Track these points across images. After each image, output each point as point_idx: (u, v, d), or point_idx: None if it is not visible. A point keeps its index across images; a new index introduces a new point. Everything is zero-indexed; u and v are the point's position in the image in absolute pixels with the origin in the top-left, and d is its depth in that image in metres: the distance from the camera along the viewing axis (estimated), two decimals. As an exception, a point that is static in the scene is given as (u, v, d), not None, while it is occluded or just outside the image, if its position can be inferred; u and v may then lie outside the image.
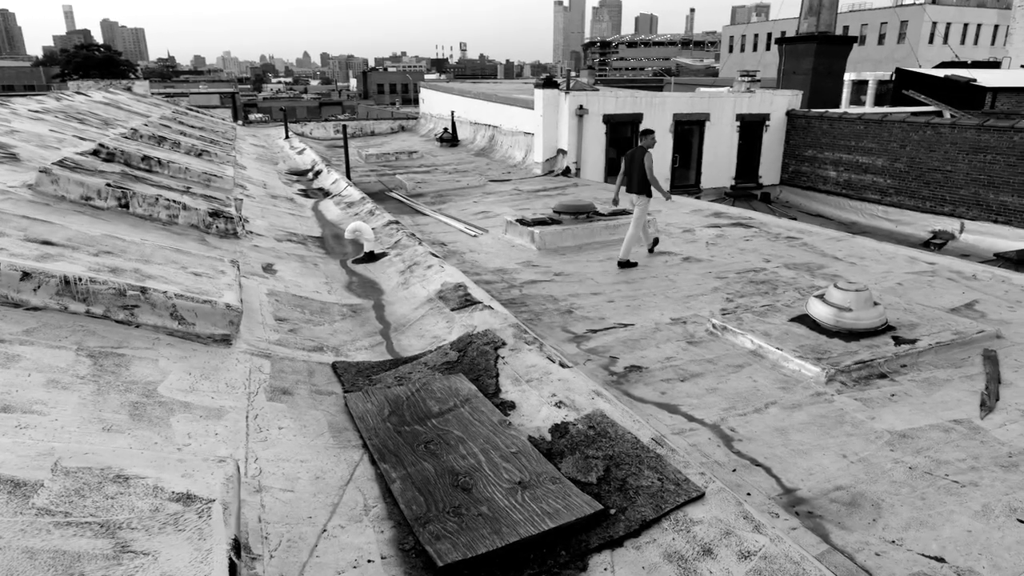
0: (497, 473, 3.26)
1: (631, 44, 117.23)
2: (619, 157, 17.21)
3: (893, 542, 3.29)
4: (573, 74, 19.84)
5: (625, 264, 8.01)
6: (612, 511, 2.99)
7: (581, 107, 16.08)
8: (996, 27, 50.85)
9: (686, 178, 18.44)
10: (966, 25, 51.33)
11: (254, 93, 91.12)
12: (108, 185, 6.43)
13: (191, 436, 3.14)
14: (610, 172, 17.01)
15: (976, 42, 51.50)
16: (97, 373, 3.44)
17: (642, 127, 14.79)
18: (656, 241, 8.82)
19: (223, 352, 4.18)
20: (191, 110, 22.40)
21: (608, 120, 16.64)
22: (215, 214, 7.08)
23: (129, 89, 23.37)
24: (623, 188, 8.49)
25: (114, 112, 14.39)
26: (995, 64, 33.75)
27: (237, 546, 2.10)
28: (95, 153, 8.14)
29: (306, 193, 12.33)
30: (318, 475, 3.22)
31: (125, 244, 5.25)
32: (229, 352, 4.21)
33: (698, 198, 16.67)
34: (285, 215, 9.71)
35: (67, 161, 7.01)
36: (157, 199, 6.67)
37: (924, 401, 4.71)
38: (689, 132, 18.13)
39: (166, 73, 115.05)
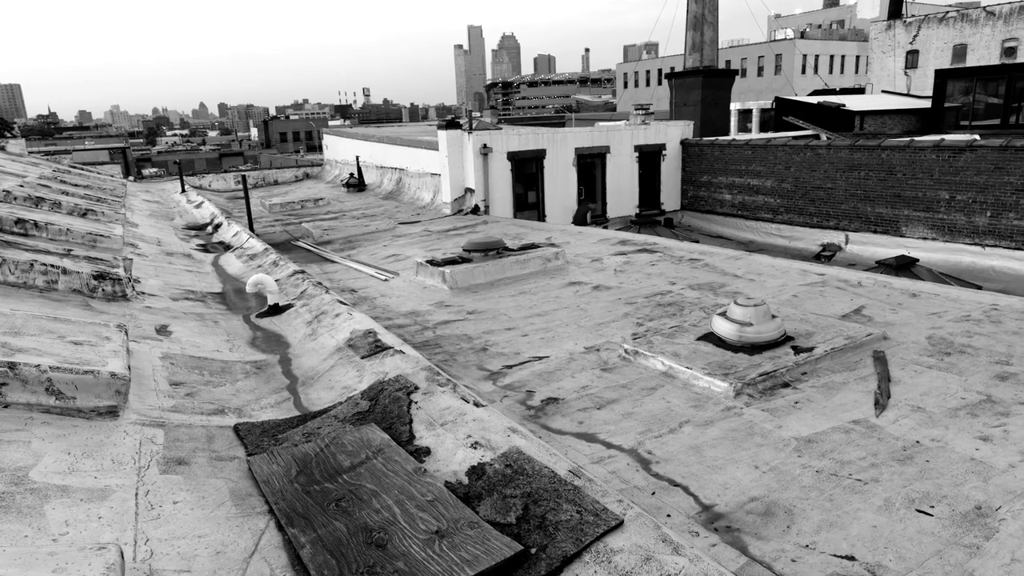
0: (413, 524, 3.12)
1: (532, 84, 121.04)
2: (526, 193, 17.65)
3: (807, 546, 3.38)
4: (476, 114, 20.17)
5: None
6: (533, 550, 2.92)
7: (485, 146, 16.33)
8: (857, 57, 55.94)
9: (592, 209, 18.96)
10: (832, 56, 56.23)
11: (147, 147, 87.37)
12: (-26, 253, 5.91)
13: (69, 524, 2.84)
14: (518, 208, 17.29)
15: (842, 71, 56.44)
16: (-44, 463, 3.08)
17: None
18: None
19: (109, 425, 3.86)
20: (75, 168, 21.15)
21: (513, 157, 16.95)
22: (101, 276, 6.62)
23: (2, 149, 21.83)
24: None
25: (-15, 175, 13.36)
26: (860, 90, 36.99)
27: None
28: (-40, 220, 7.49)
29: (205, 248, 11.81)
30: (219, 550, 2.98)
31: (-7, 316, 4.80)
32: (116, 425, 3.89)
33: (605, 227, 17.17)
34: (182, 272, 9.22)
35: (-75, 230, 6.40)
36: (32, 264, 6.17)
37: (825, 405, 4.94)
38: (592, 165, 18.73)
39: (47, 130, 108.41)
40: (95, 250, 8.24)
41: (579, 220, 17.49)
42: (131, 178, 27.43)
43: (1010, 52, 32.46)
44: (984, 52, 33.31)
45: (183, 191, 20.30)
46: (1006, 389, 5.00)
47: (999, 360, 5.55)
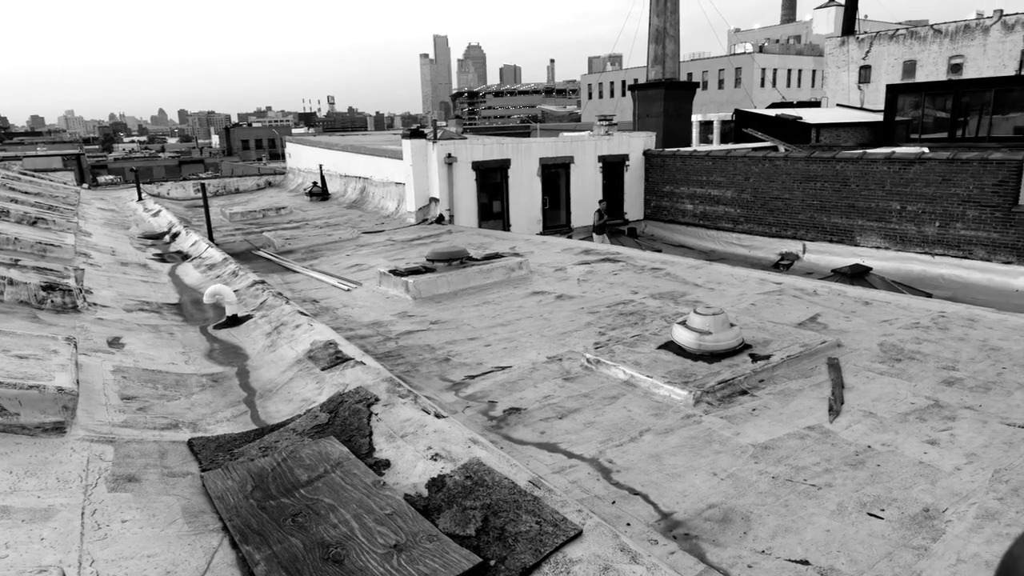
0: (371, 539, 3.08)
1: (498, 93, 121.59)
2: (491, 202, 17.71)
3: (763, 552, 3.43)
4: (441, 124, 20.17)
5: None
6: (492, 562, 2.91)
7: (450, 155, 16.32)
8: (814, 72, 57.60)
9: (557, 218, 19.10)
10: (789, 70, 57.80)
11: (103, 154, 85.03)
12: (-88, 264, 5.67)
13: (8, 546, 2.73)
14: (483, 217, 17.31)
15: (799, 85, 58.04)
16: None
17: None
18: None
19: (55, 442, 3.73)
20: (26, 174, 20.48)
21: (477, 167, 16.98)
22: (50, 287, 6.41)
23: (-51, 156, 21.01)
24: None
25: (-72, 182, 12.86)
26: (816, 104, 38.10)
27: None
28: (-102, 229, 7.18)
29: (162, 258, 11.53)
30: (169, 569, 2.90)
31: (-68, 330, 4.61)
32: (63, 441, 3.76)
33: (569, 237, 17.29)
34: (137, 283, 8.99)
35: None
36: (-24, 276, 5.95)
37: (781, 412, 5.04)
38: (556, 175, 18.87)
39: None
40: (45, 260, 7.99)
41: (599, 229, 17.54)
42: (85, 185, 26.67)
43: (956, 68, 33.81)
44: (932, 68, 34.62)
45: (140, 199, 19.82)
46: (952, 394, 5.17)
47: (946, 366, 5.74)
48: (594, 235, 17.69)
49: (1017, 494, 3.80)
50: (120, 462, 3.72)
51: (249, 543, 3.12)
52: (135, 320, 6.94)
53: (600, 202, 18.58)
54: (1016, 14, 32.12)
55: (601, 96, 68.50)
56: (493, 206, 17.66)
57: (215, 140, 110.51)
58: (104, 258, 10.20)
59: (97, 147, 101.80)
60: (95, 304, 7.01)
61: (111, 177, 40.12)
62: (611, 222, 19.94)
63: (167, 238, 13.48)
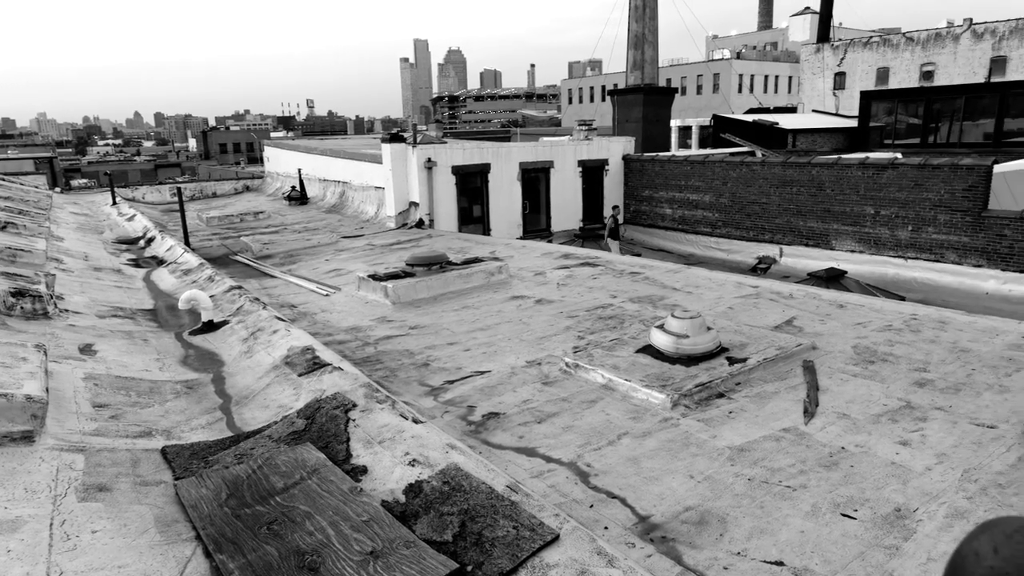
0: (347, 546, 3.06)
1: (478, 98, 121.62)
2: (471, 206, 17.68)
3: (738, 553, 3.46)
4: (421, 128, 20.14)
5: None
6: (469, 568, 2.90)
7: (429, 160, 16.29)
8: (790, 78, 58.39)
9: (537, 223, 19.14)
10: (766, 76, 58.56)
11: (77, 157, 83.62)
12: None
13: (-27, 558, 2.67)
14: (463, 222, 17.29)
15: (776, 91, 58.81)
16: None
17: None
18: None
19: (23, 452, 3.65)
20: (-4, 179, 20.07)
21: (457, 171, 16.97)
22: (19, 293, 6.29)
23: (-84, 159, 20.54)
24: None
25: None
26: (792, 109, 38.64)
27: None
28: None
29: (137, 263, 11.36)
30: (140, 579, 2.85)
31: None
32: (31, 451, 3.69)
33: (550, 241, 17.34)
34: (110, 288, 8.84)
35: None
36: (-58, 282, 5.82)
37: (757, 415, 5.09)
38: (536, 179, 18.91)
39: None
40: (15, 265, 7.83)
41: (613, 234, 17.41)
42: (58, 189, 26.20)
43: (928, 76, 34.50)
44: (905, 75, 35.29)
45: (114, 203, 19.51)
46: (924, 395, 5.27)
47: (917, 367, 5.85)
48: (608, 240, 17.40)
49: (986, 493, 3.88)
50: (91, 471, 3.65)
51: (223, 552, 3.08)
52: (108, 326, 6.82)
53: (613, 208, 18.39)
54: (985, 23, 32.90)
55: (581, 101, 68.84)
56: (473, 210, 17.65)
57: (192, 144, 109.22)
58: (77, 263, 10.03)
59: (70, 150, 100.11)
60: (67, 310, 6.89)
61: (85, 181, 39.44)
62: (590, 226, 20.04)
63: (142, 243, 13.28)
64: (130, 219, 16.18)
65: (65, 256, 10.24)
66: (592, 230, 20.04)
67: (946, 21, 38.51)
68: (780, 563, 3.38)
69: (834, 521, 3.70)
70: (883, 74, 36.06)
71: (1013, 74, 31.66)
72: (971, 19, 33.68)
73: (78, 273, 9.29)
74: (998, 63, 32.46)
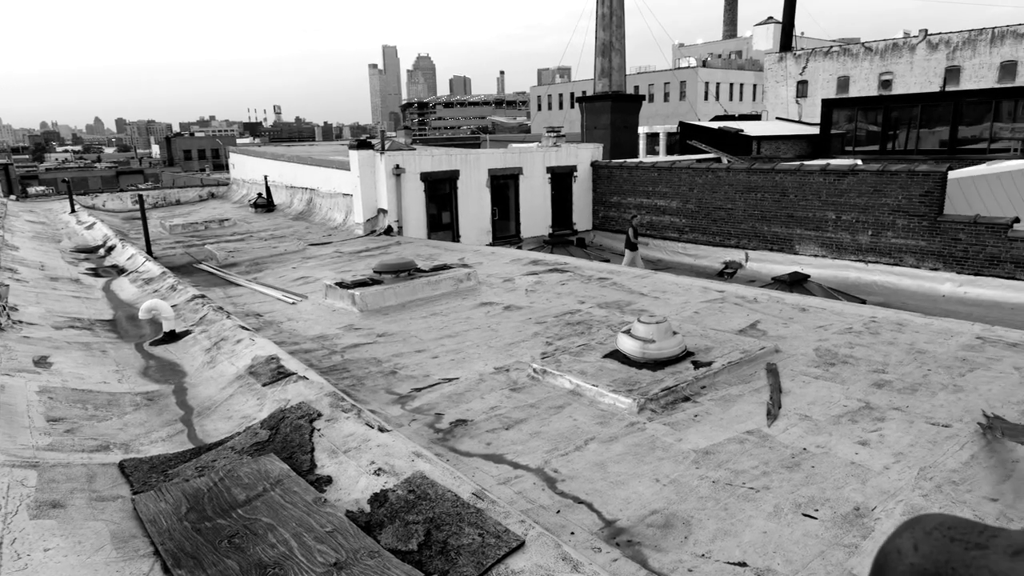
0: (311, 558, 3.02)
1: (448, 104, 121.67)
2: (440, 213, 17.61)
3: (703, 555, 3.50)
4: (389, 134, 20.04)
5: None
6: (434, 577, 2.89)
7: (398, 166, 16.23)
8: (755, 86, 59.58)
9: (507, 229, 19.18)
10: (732, 84, 59.65)
11: (34, 164, 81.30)
12: None
13: (-84, 580, 2.57)
14: (432, 229, 17.24)
15: (741, 98, 59.93)
16: None
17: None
18: None
19: (-28, 468, 3.53)
20: (-52, 187, 19.42)
21: (426, 178, 16.93)
22: (-30, 305, 6.09)
23: None
24: None
25: None
26: (757, 117, 39.41)
27: None
28: None
29: (96, 272, 11.08)
30: (94, 598, 2.77)
31: None
32: (-20, 467, 3.56)
33: (519, 247, 17.39)
34: (68, 298, 8.61)
35: None
36: None
37: (722, 417, 5.16)
38: (505, 186, 18.96)
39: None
40: (-35, 276, 7.58)
41: (632, 246, 17.13)
42: (13, 197, 25.44)
43: (886, 84, 35.51)
44: (864, 84, 36.27)
45: (73, 211, 19.02)
46: (882, 396, 5.40)
47: (876, 369, 5.99)
48: (627, 252, 16.89)
49: (940, 490, 3.99)
50: (44, 487, 3.54)
51: (182, 567, 3.01)
52: (65, 337, 6.64)
53: (633, 217, 18.01)
54: (939, 34, 33.99)
55: (550, 108, 69.28)
56: (442, 217, 17.62)
57: (155, 150, 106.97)
58: (32, 273, 9.74)
59: (27, 157, 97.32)
60: (20, 321, 6.69)
61: (42, 188, 38.30)
62: (559, 233, 20.13)
63: (102, 252, 12.97)
64: (90, 227, 15.79)
65: (20, 266, 9.95)
66: (561, 236, 20.15)
67: (903, 32, 39.68)
68: (743, 564, 3.42)
69: (796, 521, 3.77)
70: (844, 82, 37.01)
71: (966, 83, 32.77)
72: (926, 30, 34.79)
73: (33, 283, 9.03)
74: (952, 73, 33.57)
